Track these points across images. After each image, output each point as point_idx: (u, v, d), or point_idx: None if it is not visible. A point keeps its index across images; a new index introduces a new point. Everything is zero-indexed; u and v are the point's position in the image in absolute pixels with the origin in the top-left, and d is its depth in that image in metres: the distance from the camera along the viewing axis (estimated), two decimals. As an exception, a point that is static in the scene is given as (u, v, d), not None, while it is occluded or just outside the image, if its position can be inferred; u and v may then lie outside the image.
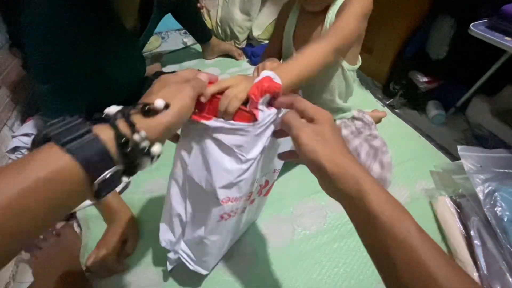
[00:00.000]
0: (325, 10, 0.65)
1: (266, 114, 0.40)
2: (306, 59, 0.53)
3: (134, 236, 0.64)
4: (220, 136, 0.39)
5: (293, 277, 0.59)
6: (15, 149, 0.72)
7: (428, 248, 0.26)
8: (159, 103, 0.29)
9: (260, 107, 0.39)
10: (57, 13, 0.56)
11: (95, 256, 0.57)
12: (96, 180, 0.24)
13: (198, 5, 1.21)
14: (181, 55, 1.42)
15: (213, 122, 0.38)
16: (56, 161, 0.22)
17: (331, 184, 0.31)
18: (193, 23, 1.21)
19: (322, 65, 0.54)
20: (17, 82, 0.83)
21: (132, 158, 0.26)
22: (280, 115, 0.42)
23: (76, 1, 0.56)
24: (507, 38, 0.76)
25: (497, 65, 0.85)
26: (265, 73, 0.41)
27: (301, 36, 0.70)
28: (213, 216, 0.45)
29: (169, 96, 0.31)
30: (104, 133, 0.25)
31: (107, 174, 0.24)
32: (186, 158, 0.43)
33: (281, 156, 0.45)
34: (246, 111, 0.39)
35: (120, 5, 0.65)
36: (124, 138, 0.25)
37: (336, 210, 0.71)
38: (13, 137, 0.74)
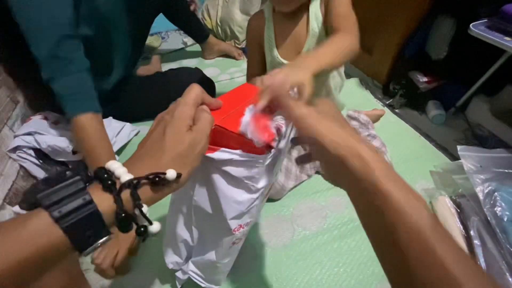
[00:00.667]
0: (303, 8, 0.63)
1: (282, 143, 0.36)
2: (336, 48, 0.51)
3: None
4: (228, 168, 0.35)
5: (293, 276, 0.59)
6: (16, 148, 0.72)
7: (442, 239, 0.22)
8: (171, 174, 0.26)
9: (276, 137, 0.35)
10: None
11: (107, 254, 0.57)
12: (87, 250, 0.23)
13: (192, 7, 1.19)
14: (181, 55, 1.42)
15: (220, 154, 0.34)
16: (49, 236, 0.21)
17: (335, 168, 0.28)
18: (186, 22, 1.20)
19: (349, 55, 0.53)
20: (17, 82, 0.83)
21: (128, 229, 0.25)
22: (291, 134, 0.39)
23: None
24: (507, 38, 0.75)
25: (497, 65, 0.85)
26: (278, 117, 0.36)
27: (285, 42, 0.68)
28: (225, 244, 0.43)
29: (180, 163, 0.27)
30: (104, 204, 0.23)
31: (98, 243, 0.23)
32: (190, 188, 0.40)
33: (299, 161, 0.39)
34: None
35: None
36: (124, 213, 0.24)
37: (336, 210, 0.71)
38: (15, 136, 0.74)
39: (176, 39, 1.53)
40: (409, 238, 0.22)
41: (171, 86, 0.96)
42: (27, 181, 0.74)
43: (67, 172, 0.24)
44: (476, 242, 0.60)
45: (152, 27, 1.06)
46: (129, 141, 0.91)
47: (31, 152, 0.74)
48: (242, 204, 0.38)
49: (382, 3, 1.03)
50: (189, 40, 1.47)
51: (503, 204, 0.62)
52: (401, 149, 0.86)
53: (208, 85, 1.03)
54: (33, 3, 0.59)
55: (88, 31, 0.72)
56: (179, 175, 0.27)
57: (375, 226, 0.27)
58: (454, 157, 0.84)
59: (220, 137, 0.33)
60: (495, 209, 0.62)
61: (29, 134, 0.74)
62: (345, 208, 0.72)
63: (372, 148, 0.27)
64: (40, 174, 0.76)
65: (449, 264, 0.20)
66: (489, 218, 0.61)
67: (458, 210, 0.68)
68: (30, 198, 0.24)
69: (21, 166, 0.74)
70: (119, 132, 0.87)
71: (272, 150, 0.35)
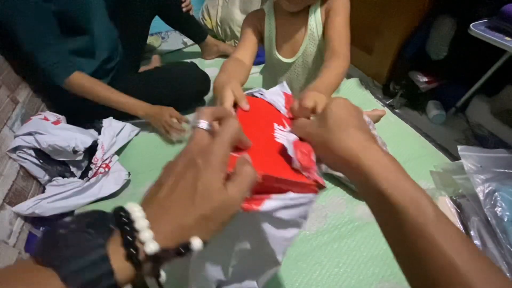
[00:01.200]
0: (305, 9, 0.65)
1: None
2: (333, 78, 0.56)
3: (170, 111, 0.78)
4: (279, 213, 0.31)
5: (293, 277, 0.59)
6: (16, 148, 0.72)
7: (448, 234, 0.23)
8: (197, 245, 0.22)
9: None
10: None
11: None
12: None
13: (184, 8, 1.17)
14: (181, 55, 1.42)
15: (270, 203, 0.29)
16: None
17: (345, 172, 0.30)
18: (183, 23, 1.20)
19: (343, 77, 0.61)
20: (17, 82, 0.83)
21: None
22: None
23: None
24: (507, 38, 0.75)
25: (497, 65, 0.85)
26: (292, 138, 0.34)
27: (284, 40, 0.70)
28: (270, 274, 0.40)
29: (205, 226, 0.23)
30: (124, 273, 0.19)
31: None
32: (227, 236, 0.35)
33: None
34: (308, 183, 0.32)
35: None
36: (141, 281, 0.21)
37: (336, 211, 0.71)
38: (16, 136, 0.74)
39: (176, 39, 1.53)
40: (415, 235, 0.23)
41: (167, 79, 0.97)
42: (27, 181, 0.74)
43: (89, 231, 0.19)
44: (477, 242, 0.60)
45: (152, 27, 1.07)
46: (129, 141, 0.91)
47: (31, 152, 0.74)
48: (291, 239, 0.35)
49: (382, 3, 1.03)
50: (189, 40, 1.47)
51: (503, 204, 0.62)
52: (401, 149, 0.86)
53: (203, 80, 1.03)
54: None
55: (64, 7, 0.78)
56: (205, 244, 0.22)
57: (384, 224, 0.29)
58: (454, 157, 0.84)
59: (265, 184, 0.28)
60: (496, 209, 0.62)
61: (29, 134, 0.74)
62: (345, 209, 0.72)
63: (378, 151, 0.28)
64: (40, 174, 0.75)
65: (454, 255, 0.21)
66: (489, 218, 0.61)
67: (459, 210, 0.68)
68: (46, 251, 0.19)
69: (21, 166, 0.74)
70: (120, 132, 0.87)
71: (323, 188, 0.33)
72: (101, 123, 0.87)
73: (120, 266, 0.19)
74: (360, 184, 0.28)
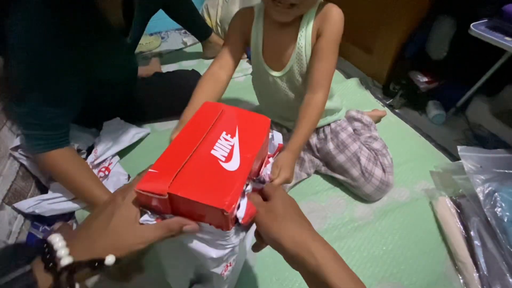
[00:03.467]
0: (296, 20, 0.60)
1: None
2: (310, 122, 0.59)
3: None
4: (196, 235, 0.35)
5: (293, 277, 0.59)
6: (18, 146, 0.72)
7: None
8: (110, 261, 0.28)
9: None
10: (40, 26, 0.54)
11: None
12: None
13: None
14: (181, 55, 1.42)
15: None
16: None
17: (292, 260, 0.32)
18: (188, 19, 1.17)
19: (324, 108, 0.61)
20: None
21: None
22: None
23: (58, 6, 0.54)
24: (507, 38, 0.75)
25: (498, 65, 0.85)
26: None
27: (271, 50, 0.65)
28: (220, 281, 0.42)
29: (121, 249, 0.29)
30: (45, 284, 0.25)
31: None
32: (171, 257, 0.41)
33: (255, 249, 0.42)
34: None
35: (103, 3, 0.61)
36: None
37: (336, 211, 0.71)
38: (18, 135, 0.74)
39: (176, 39, 1.53)
40: None
41: (168, 88, 0.95)
42: (27, 181, 0.74)
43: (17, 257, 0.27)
44: (477, 242, 0.60)
45: (152, 27, 1.05)
46: (137, 144, 0.89)
47: None
48: (219, 259, 0.36)
49: (382, 3, 1.03)
50: (188, 40, 1.47)
51: (503, 205, 0.62)
52: (401, 150, 0.86)
53: None
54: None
55: (103, 75, 0.74)
56: (117, 261, 0.28)
57: None
58: (454, 157, 0.84)
59: (175, 202, 0.31)
60: (495, 209, 0.61)
61: None
62: (345, 209, 0.72)
63: (324, 243, 0.31)
64: (40, 173, 0.75)
65: None
66: (489, 218, 0.61)
67: (459, 211, 0.68)
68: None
69: (21, 166, 0.74)
70: (120, 134, 0.85)
71: (233, 229, 0.34)
72: (101, 124, 0.85)
73: (42, 277, 0.25)
74: (306, 272, 0.31)
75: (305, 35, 0.60)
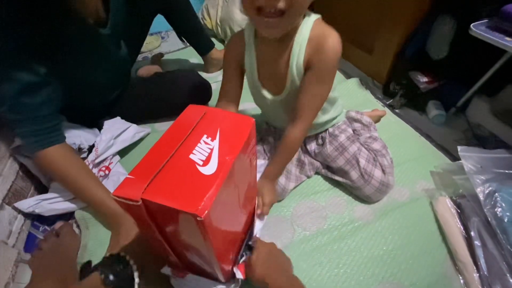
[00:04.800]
0: (288, 38, 0.55)
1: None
2: (288, 154, 0.65)
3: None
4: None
5: (293, 277, 0.59)
6: (19, 146, 0.72)
7: None
8: None
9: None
10: (11, 31, 0.54)
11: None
12: None
13: None
14: (181, 55, 1.42)
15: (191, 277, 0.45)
16: None
17: None
18: (190, 30, 1.12)
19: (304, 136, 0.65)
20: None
21: None
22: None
23: (29, 6, 0.53)
24: (507, 38, 0.75)
25: (498, 65, 0.85)
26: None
27: (267, 76, 0.63)
28: None
29: None
30: None
31: None
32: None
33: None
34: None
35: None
36: None
37: (336, 211, 0.71)
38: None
39: (176, 39, 1.52)
40: None
41: (168, 88, 0.95)
42: (27, 181, 0.74)
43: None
44: (477, 242, 0.60)
45: (152, 27, 1.05)
46: (138, 143, 0.89)
47: None
48: None
49: (383, 3, 1.03)
50: (189, 40, 1.46)
51: (503, 205, 0.62)
52: (401, 150, 0.86)
53: (203, 88, 1.01)
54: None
55: (88, 67, 0.72)
56: None
57: None
58: (454, 157, 0.84)
59: (150, 209, 0.31)
60: (496, 209, 0.61)
61: None
62: (345, 209, 0.72)
63: None
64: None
65: None
66: (489, 218, 0.61)
67: (459, 211, 0.68)
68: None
69: (21, 166, 0.74)
70: (122, 133, 0.85)
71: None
72: (102, 124, 0.85)
73: None
74: None
75: (296, 63, 0.56)
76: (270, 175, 0.63)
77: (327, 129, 0.77)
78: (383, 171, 0.71)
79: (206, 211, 0.28)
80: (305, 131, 0.62)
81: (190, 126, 0.37)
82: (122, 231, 0.59)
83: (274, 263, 0.47)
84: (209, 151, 0.34)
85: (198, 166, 0.32)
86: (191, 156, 0.33)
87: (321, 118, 0.72)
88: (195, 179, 0.31)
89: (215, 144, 0.35)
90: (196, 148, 0.34)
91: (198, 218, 0.27)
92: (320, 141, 0.77)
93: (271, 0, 0.45)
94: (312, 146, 0.78)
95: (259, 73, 0.63)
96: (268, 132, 0.81)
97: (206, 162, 0.33)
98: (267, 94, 0.65)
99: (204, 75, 1.12)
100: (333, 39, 0.53)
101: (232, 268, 0.47)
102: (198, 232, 0.30)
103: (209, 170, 0.32)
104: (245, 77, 0.68)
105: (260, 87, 0.64)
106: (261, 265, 0.45)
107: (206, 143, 0.35)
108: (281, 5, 0.46)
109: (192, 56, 1.38)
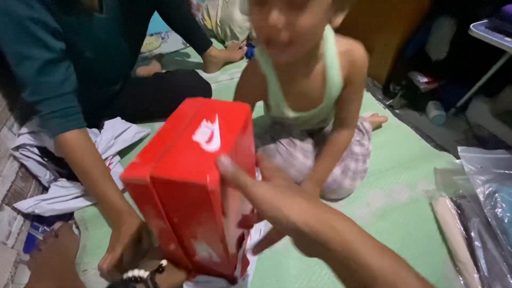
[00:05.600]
0: (314, 59, 0.55)
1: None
2: (335, 159, 0.65)
3: (148, 233, 0.61)
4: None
5: (293, 278, 0.59)
6: (19, 146, 0.72)
7: None
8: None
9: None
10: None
11: (111, 258, 0.56)
12: None
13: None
14: (181, 55, 1.42)
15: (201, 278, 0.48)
16: None
17: (309, 242, 0.26)
18: (186, 28, 1.12)
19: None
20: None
21: None
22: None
23: None
24: (507, 38, 0.75)
25: (497, 66, 0.85)
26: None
27: (295, 96, 0.60)
28: None
29: None
30: None
31: None
32: None
33: (254, 251, 0.41)
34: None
35: None
36: None
37: (336, 211, 0.71)
38: (20, 134, 0.74)
39: (176, 39, 1.53)
40: None
41: (168, 89, 0.95)
42: (26, 182, 0.74)
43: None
44: (477, 243, 0.60)
45: (152, 27, 1.05)
46: (138, 144, 0.89)
47: (35, 150, 0.74)
48: None
49: (382, 3, 1.03)
50: (189, 41, 1.47)
51: (503, 205, 0.61)
52: (401, 150, 0.86)
53: (204, 88, 1.01)
54: (13, 28, 0.57)
55: (88, 54, 0.73)
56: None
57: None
58: (454, 157, 0.84)
59: (157, 188, 0.31)
60: (496, 210, 0.61)
61: (33, 132, 0.74)
62: (344, 210, 0.72)
63: (344, 217, 0.27)
64: (42, 173, 0.75)
65: None
66: (489, 219, 0.61)
67: (459, 211, 0.67)
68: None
69: (20, 167, 0.74)
70: (121, 134, 0.85)
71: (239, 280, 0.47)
72: (103, 124, 0.85)
73: None
74: (329, 254, 0.26)
75: (333, 82, 0.57)
76: (315, 177, 0.62)
77: (322, 128, 0.78)
78: (343, 172, 0.70)
79: (215, 181, 0.28)
80: (351, 137, 0.66)
81: (189, 114, 0.39)
82: (123, 229, 0.59)
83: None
84: (210, 132, 0.35)
85: (202, 145, 0.33)
86: (194, 138, 0.34)
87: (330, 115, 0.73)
88: (201, 156, 0.31)
89: (215, 126, 0.36)
90: (198, 130, 0.35)
91: (209, 188, 0.28)
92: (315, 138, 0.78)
93: (273, 34, 0.43)
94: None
95: (286, 100, 0.61)
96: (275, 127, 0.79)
97: (209, 140, 0.34)
98: (293, 114, 0.63)
99: (204, 75, 1.12)
100: (359, 50, 0.56)
101: (236, 265, 0.47)
102: (207, 204, 0.30)
103: (213, 147, 0.33)
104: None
105: (287, 110, 0.62)
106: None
107: (206, 126, 0.36)
108: (284, 37, 0.43)
109: (192, 57, 1.38)
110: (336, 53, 0.55)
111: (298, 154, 0.70)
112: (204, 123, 0.37)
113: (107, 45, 0.78)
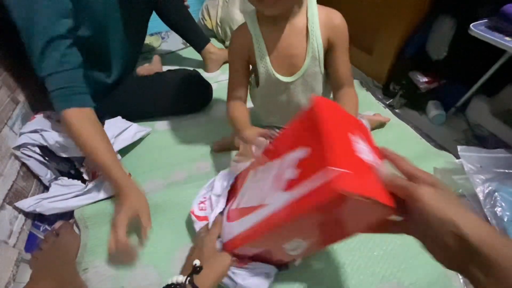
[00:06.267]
0: (297, 19, 0.60)
1: None
2: (355, 109, 0.64)
3: (144, 209, 0.64)
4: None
5: (293, 278, 0.59)
6: (21, 146, 0.73)
7: None
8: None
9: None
10: None
11: (115, 242, 0.58)
12: None
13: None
14: (182, 55, 1.42)
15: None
16: None
17: (464, 255, 0.26)
18: (183, 26, 1.13)
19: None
20: (17, 82, 0.83)
21: None
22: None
23: None
24: (507, 38, 0.76)
25: (497, 65, 0.85)
26: None
27: (279, 56, 0.64)
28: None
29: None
30: None
31: None
32: None
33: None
34: None
35: None
36: None
37: (336, 210, 0.71)
38: (21, 134, 0.74)
39: (176, 39, 1.53)
40: None
41: (168, 88, 0.96)
42: (27, 181, 0.75)
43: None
44: (476, 242, 0.60)
45: (152, 27, 1.05)
46: (138, 143, 0.89)
47: (36, 149, 0.74)
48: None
49: (382, 3, 1.03)
50: (189, 41, 1.47)
51: (503, 204, 0.62)
52: (401, 150, 0.84)
53: (204, 87, 1.02)
54: (27, 3, 0.60)
55: (84, 32, 0.73)
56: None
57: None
58: (454, 157, 0.84)
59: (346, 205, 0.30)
60: (495, 209, 0.62)
61: (35, 131, 0.74)
62: (345, 208, 0.72)
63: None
64: (43, 172, 0.76)
65: None
66: (489, 218, 0.61)
67: (458, 210, 0.68)
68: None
69: (22, 166, 0.74)
70: (121, 132, 0.85)
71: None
72: (103, 123, 0.86)
73: None
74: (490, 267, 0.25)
75: (315, 38, 0.61)
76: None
77: None
78: None
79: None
80: (355, 92, 0.67)
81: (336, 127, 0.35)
82: (124, 208, 0.61)
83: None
84: (365, 148, 0.35)
85: (366, 160, 0.33)
86: (358, 154, 0.33)
87: None
88: (373, 173, 0.32)
89: (362, 141, 0.36)
90: (356, 146, 0.34)
91: (390, 210, 0.31)
92: None
93: None
94: None
95: (271, 59, 0.64)
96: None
97: (366, 155, 0.34)
98: (281, 78, 0.66)
99: (204, 75, 1.12)
100: (338, 16, 0.62)
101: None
102: (377, 216, 0.33)
103: (371, 159, 0.34)
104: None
105: (274, 73, 0.65)
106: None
107: (357, 142, 0.35)
108: None
109: (193, 56, 1.38)
110: (317, 14, 0.60)
111: None
112: (353, 137, 0.35)
113: (104, 19, 0.78)
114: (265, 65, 0.65)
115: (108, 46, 0.84)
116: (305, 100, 0.70)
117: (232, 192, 0.59)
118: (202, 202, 0.63)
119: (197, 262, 0.46)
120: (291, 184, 0.35)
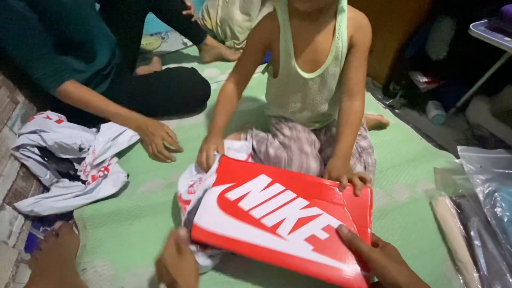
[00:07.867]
0: (327, 17, 0.61)
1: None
2: (353, 129, 0.64)
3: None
4: None
5: (293, 278, 0.59)
6: (20, 146, 0.72)
7: None
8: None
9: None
10: None
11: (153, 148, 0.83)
12: None
13: (184, 12, 1.14)
14: (181, 55, 1.42)
15: None
16: None
17: None
18: (180, 22, 1.15)
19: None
20: (17, 83, 0.83)
21: None
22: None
23: None
24: (507, 38, 0.76)
25: (497, 66, 0.85)
26: None
27: (304, 53, 0.64)
28: None
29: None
30: None
31: None
32: None
33: None
34: None
35: None
36: None
37: (336, 211, 0.71)
38: (20, 134, 0.74)
39: (176, 39, 1.53)
40: None
41: (167, 87, 0.95)
42: (27, 181, 0.74)
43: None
44: (477, 242, 0.60)
45: (152, 27, 1.05)
46: (134, 146, 0.89)
47: (35, 150, 0.74)
48: None
49: (382, 3, 1.03)
50: (189, 41, 1.47)
51: (503, 205, 0.62)
52: (401, 150, 0.86)
53: (203, 86, 1.01)
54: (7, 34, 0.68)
55: (62, 31, 0.76)
56: None
57: None
58: (454, 157, 0.84)
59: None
60: (495, 209, 0.62)
61: (34, 132, 0.74)
62: (345, 209, 0.72)
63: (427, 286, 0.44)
64: (42, 173, 0.75)
65: None
66: (489, 218, 0.61)
67: (458, 211, 0.68)
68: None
69: (21, 166, 0.74)
70: (118, 136, 0.85)
71: None
72: (99, 127, 0.85)
73: None
74: None
75: (341, 38, 0.62)
76: (339, 153, 0.62)
77: (323, 128, 0.78)
78: (365, 167, 0.70)
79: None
80: (363, 105, 0.66)
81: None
82: (150, 129, 0.85)
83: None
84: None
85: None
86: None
87: (335, 110, 0.74)
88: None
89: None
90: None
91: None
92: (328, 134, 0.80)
93: None
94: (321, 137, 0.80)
95: (295, 52, 0.64)
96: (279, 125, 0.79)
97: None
98: (302, 73, 0.66)
99: (204, 74, 1.12)
100: (365, 18, 0.63)
101: None
102: None
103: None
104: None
105: (296, 67, 0.65)
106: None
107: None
108: None
109: (193, 56, 1.38)
110: (347, 14, 0.61)
111: (303, 139, 0.72)
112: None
113: (87, 21, 0.82)
114: (289, 57, 0.65)
115: (88, 33, 0.84)
116: (320, 98, 0.71)
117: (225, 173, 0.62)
118: (191, 186, 0.63)
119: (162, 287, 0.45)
120: (319, 247, 0.52)
